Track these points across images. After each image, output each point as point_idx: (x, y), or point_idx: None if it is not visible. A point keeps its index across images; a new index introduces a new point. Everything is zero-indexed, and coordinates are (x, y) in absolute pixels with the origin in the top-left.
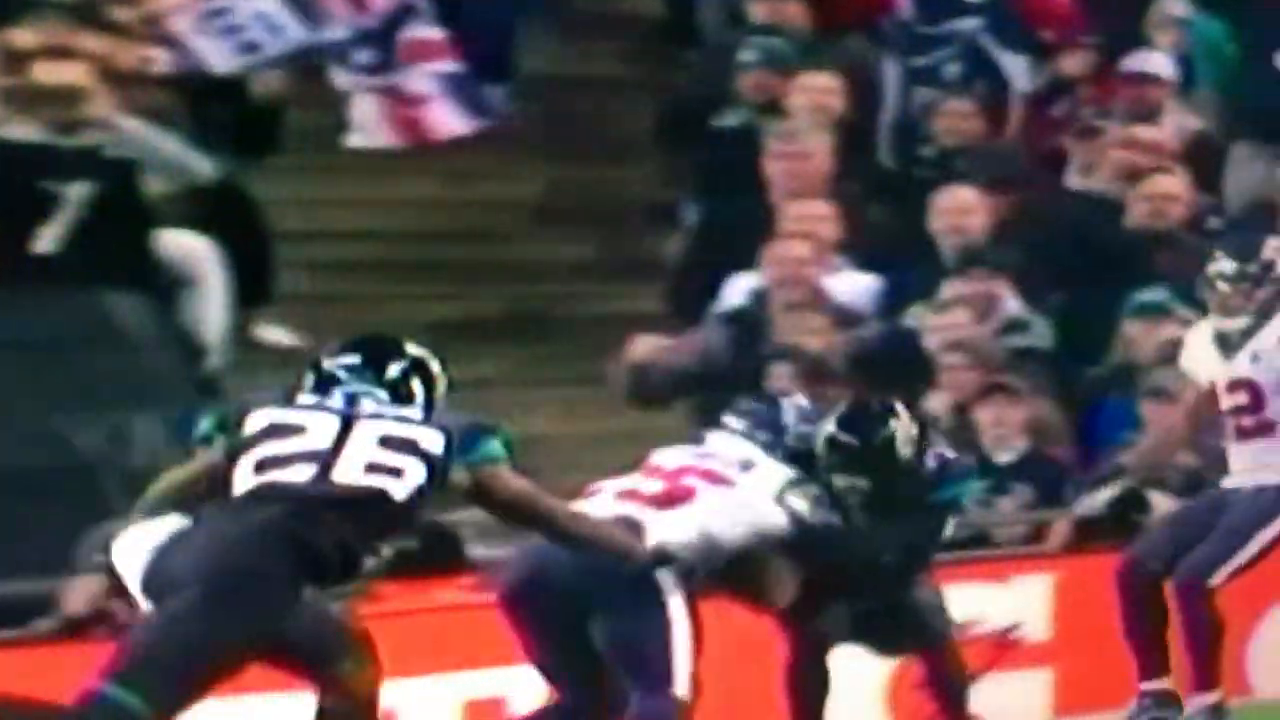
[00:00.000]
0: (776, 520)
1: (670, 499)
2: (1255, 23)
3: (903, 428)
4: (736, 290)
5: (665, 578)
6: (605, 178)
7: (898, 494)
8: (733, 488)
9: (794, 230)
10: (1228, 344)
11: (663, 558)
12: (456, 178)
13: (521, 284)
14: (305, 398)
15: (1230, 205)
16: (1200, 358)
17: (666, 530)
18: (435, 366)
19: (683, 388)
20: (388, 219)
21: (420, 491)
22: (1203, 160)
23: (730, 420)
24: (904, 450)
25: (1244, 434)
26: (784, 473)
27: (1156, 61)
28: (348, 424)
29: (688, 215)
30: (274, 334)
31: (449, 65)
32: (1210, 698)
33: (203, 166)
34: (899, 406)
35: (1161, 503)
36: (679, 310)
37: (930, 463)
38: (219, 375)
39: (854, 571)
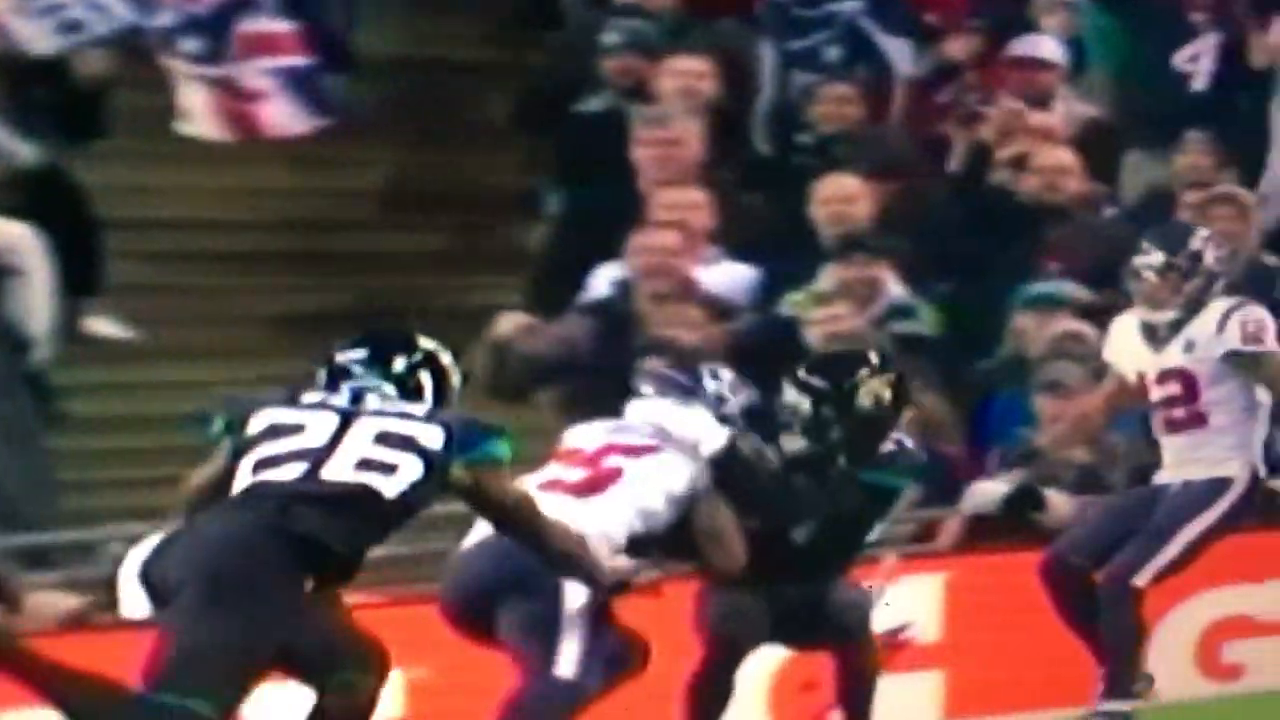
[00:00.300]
0: (704, 474)
1: (596, 484)
2: (1150, 19)
3: (873, 382)
4: (602, 281)
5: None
6: (462, 164)
7: (853, 450)
8: (659, 453)
9: (664, 219)
10: (1155, 336)
11: (621, 587)
12: (304, 164)
13: (372, 275)
14: (311, 395)
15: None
16: (1125, 349)
17: (602, 520)
18: (447, 360)
19: (544, 378)
20: (231, 207)
21: (415, 488)
22: (1096, 147)
23: (647, 385)
24: (864, 402)
25: (1175, 426)
26: (712, 425)
27: (1045, 45)
28: (347, 421)
29: (550, 203)
30: (105, 326)
31: (291, 60)
32: (1124, 706)
33: (23, 151)
34: (875, 358)
35: (1057, 500)
36: (541, 302)
37: (889, 445)
38: (45, 368)
39: (780, 535)
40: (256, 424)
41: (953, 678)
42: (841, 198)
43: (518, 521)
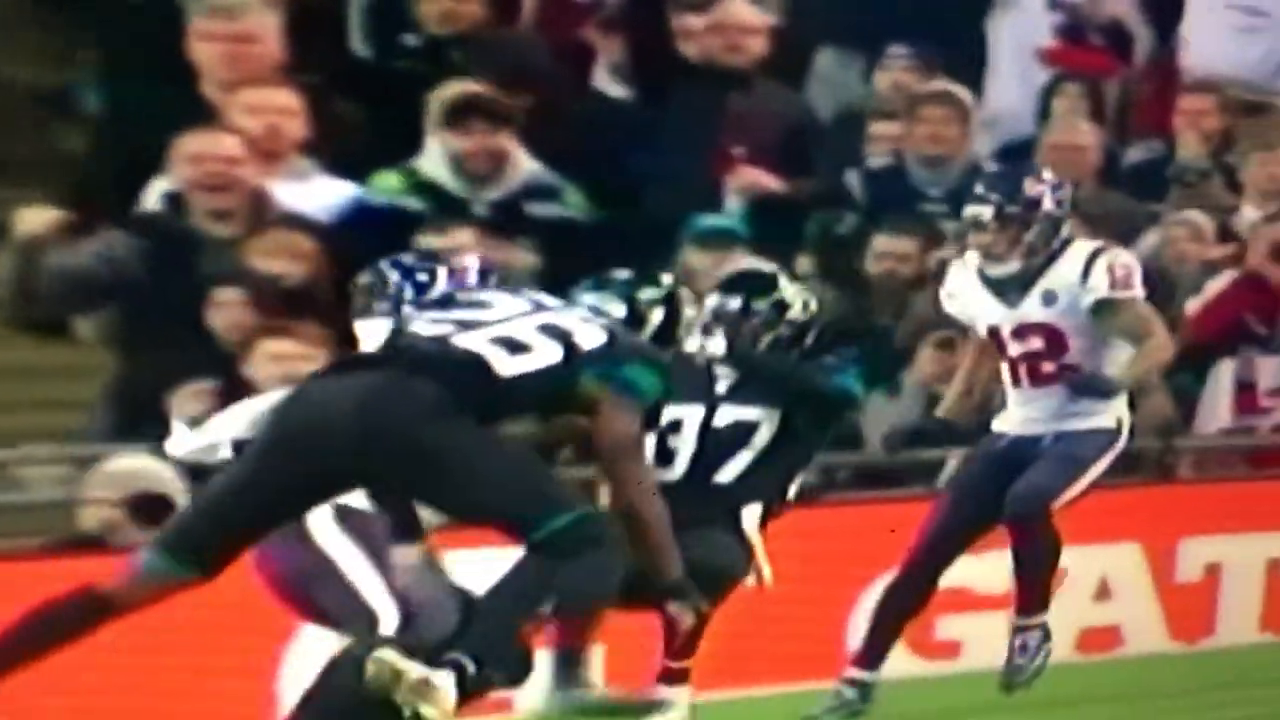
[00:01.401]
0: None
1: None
2: None
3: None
4: (156, 194)
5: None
6: None
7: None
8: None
9: (245, 125)
10: (1004, 289)
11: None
12: None
13: None
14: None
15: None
16: (971, 301)
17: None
18: (684, 303)
19: (85, 300)
20: None
21: (538, 375)
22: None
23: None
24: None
25: (1043, 380)
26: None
27: None
28: (534, 309)
29: (88, 102)
30: None
31: None
32: (1042, 619)
33: None
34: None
35: None
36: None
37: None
38: None
39: None
40: (467, 295)
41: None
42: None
43: (613, 460)
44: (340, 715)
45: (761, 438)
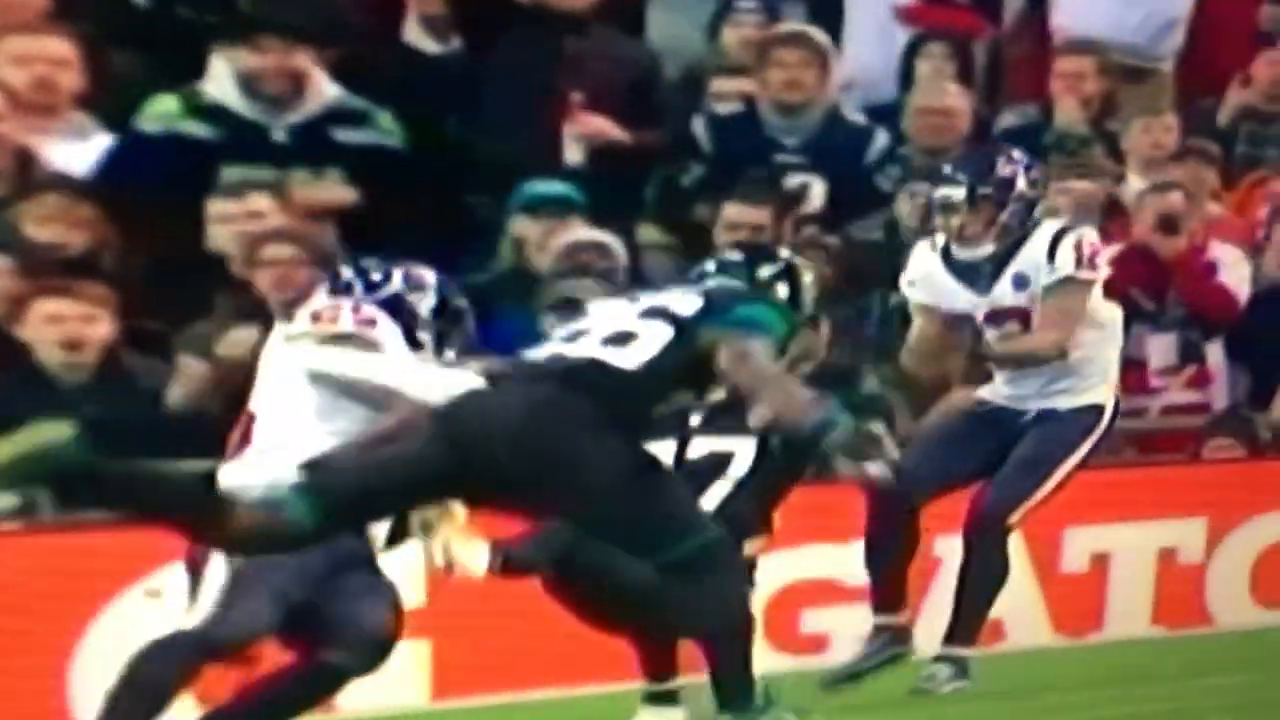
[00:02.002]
0: None
1: None
2: None
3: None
4: None
5: None
6: None
7: None
8: None
9: (12, 77)
10: (973, 274)
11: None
12: None
13: None
14: None
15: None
16: (933, 286)
17: None
18: (807, 276)
19: None
20: None
21: (661, 354)
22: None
23: None
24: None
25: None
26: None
27: None
28: (632, 303)
29: None
30: None
31: None
32: (967, 651)
33: None
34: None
35: None
36: None
37: None
38: None
39: None
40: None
41: (439, 652)
42: None
43: (765, 387)
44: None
45: (738, 468)
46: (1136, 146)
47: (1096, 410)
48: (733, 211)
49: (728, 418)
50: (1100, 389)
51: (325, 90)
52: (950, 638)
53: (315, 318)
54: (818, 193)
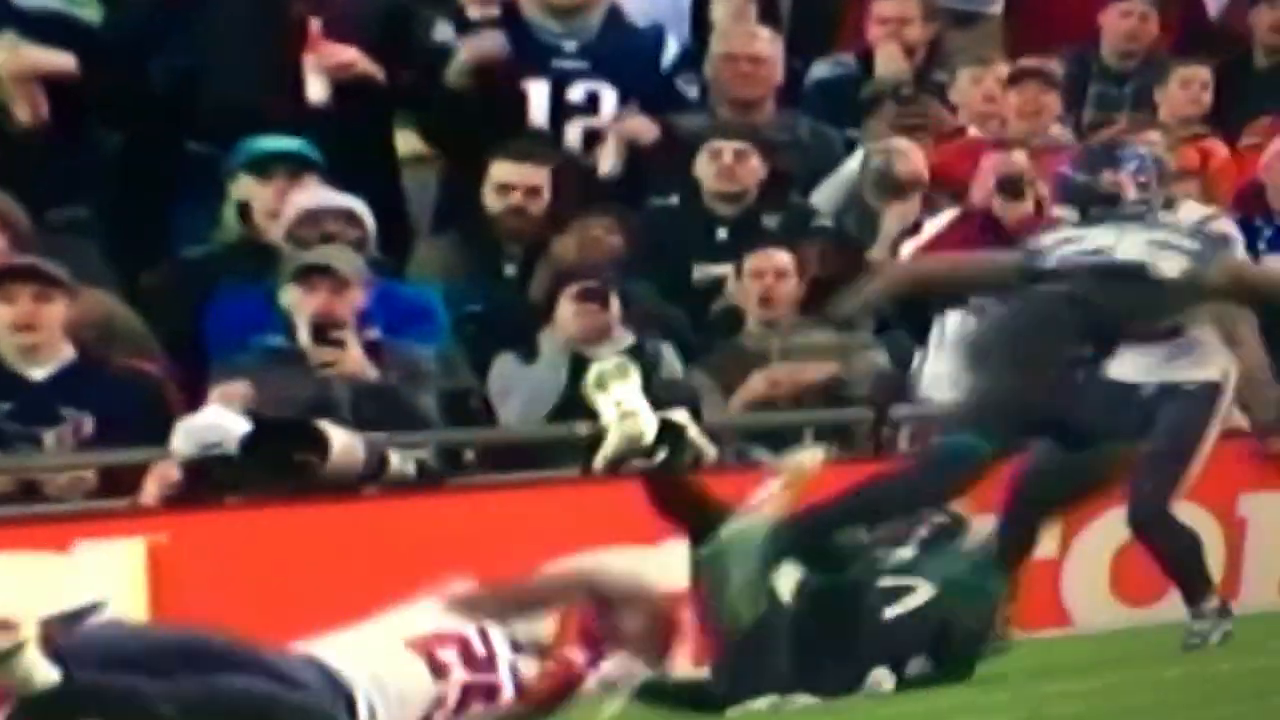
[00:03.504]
0: None
1: None
2: None
3: None
4: None
5: None
6: None
7: None
8: None
9: None
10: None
11: None
12: None
13: None
14: None
15: None
16: None
17: None
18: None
19: None
20: None
21: (1184, 278)
22: None
23: None
24: None
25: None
26: None
27: None
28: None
29: None
30: None
31: None
32: (1213, 602)
33: None
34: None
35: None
36: None
37: None
38: None
39: None
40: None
41: None
42: None
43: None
44: None
45: None
46: (966, 99)
47: (1214, 387)
48: (502, 170)
49: None
50: (1217, 365)
51: None
52: (1190, 602)
53: None
54: (609, 99)
